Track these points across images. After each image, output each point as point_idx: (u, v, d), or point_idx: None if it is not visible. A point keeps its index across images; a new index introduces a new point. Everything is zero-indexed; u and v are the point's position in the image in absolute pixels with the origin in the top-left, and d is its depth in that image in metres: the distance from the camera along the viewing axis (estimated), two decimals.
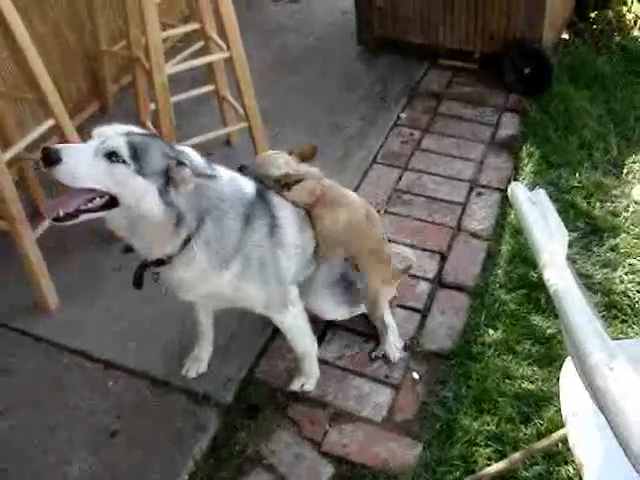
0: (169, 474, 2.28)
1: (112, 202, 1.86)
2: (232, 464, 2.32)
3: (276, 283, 2.22)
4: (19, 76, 2.77)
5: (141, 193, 1.84)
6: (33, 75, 2.55)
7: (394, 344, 2.59)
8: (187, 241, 1.98)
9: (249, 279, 2.15)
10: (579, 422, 1.69)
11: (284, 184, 2.24)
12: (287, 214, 2.24)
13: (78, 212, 1.86)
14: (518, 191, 1.56)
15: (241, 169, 2.24)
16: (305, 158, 2.35)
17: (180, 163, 1.87)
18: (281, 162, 2.27)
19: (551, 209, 1.57)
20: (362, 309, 2.63)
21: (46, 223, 2.74)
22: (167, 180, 1.86)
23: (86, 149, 1.82)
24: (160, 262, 2.02)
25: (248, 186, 2.15)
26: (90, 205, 1.86)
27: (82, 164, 1.79)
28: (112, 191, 1.84)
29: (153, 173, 1.84)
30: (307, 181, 2.27)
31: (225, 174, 2.10)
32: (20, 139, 2.73)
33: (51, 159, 1.77)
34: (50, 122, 2.68)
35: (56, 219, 1.87)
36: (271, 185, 2.24)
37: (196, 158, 1.99)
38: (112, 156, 1.79)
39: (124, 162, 1.80)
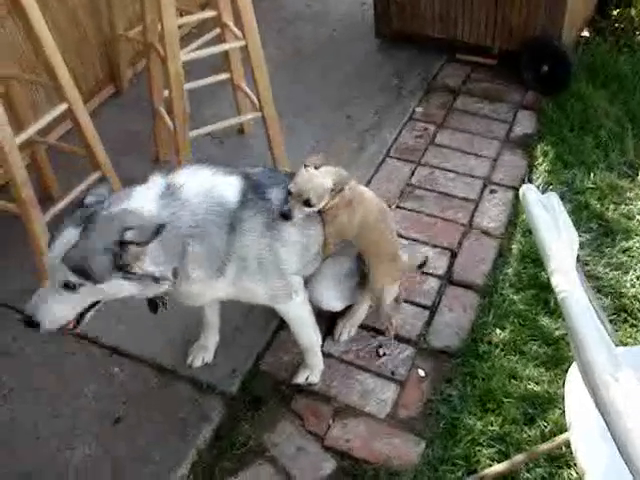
0: (171, 463, 2.29)
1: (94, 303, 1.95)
2: (234, 455, 2.33)
3: (278, 277, 2.21)
4: (34, 59, 2.77)
5: (113, 291, 1.89)
6: (47, 59, 2.55)
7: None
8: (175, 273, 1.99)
9: (249, 278, 2.15)
10: (583, 428, 1.67)
11: (340, 189, 2.22)
12: None
13: (80, 319, 1.96)
14: (529, 194, 1.54)
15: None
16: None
17: (122, 244, 1.81)
18: (319, 173, 2.24)
19: (562, 213, 1.55)
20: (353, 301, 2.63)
21: (57, 208, 2.74)
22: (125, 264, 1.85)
23: (48, 294, 1.88)
24: None
25: (231, 192, 2.09)
26: (85, 308, 1.94)
27: (56, 310, 1.88)
28: (92, 301, 1.92)
29: (109, 273, 1.84)
30: (346, 190, 2.26)
31: (201, 187, 2.04)
32: (33, 122, 2.72)
33: (32, 325, 1.88)
34: (63, 106, 2.67)
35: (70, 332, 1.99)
36: (324, 198, 2.20)
37: (142, 207, 1.92)
38: (69, 285, 1.83)
39: (81, 284, 1.83)
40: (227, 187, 2.09)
